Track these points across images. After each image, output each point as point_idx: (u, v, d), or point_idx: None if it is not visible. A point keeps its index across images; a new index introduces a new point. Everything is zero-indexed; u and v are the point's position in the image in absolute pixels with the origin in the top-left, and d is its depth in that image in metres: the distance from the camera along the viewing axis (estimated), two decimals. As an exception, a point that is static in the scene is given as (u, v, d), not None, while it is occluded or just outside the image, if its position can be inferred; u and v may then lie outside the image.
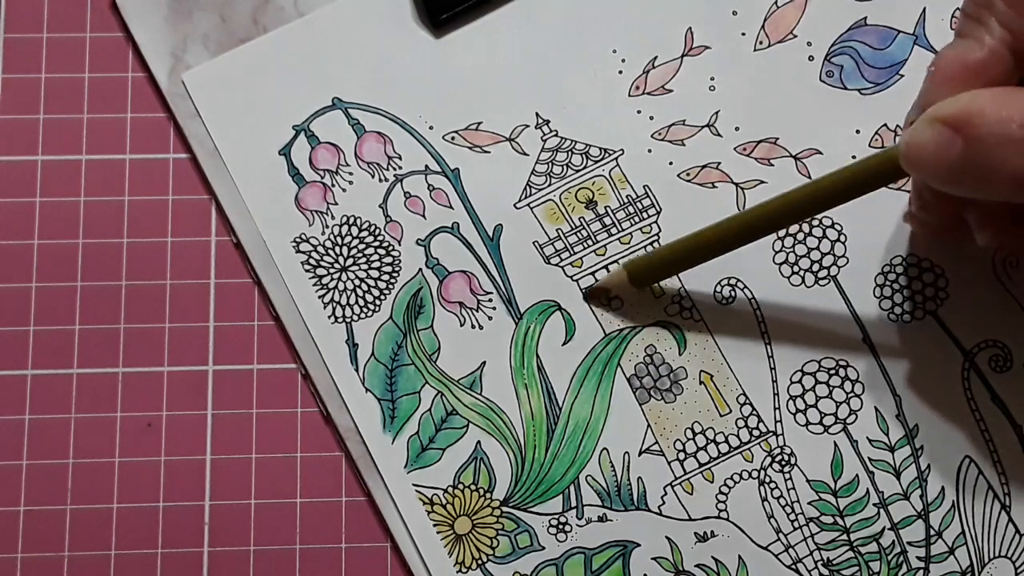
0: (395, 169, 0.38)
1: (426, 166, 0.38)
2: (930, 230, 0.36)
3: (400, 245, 0.38)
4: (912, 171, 0.29)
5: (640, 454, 0.36)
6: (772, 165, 0.38)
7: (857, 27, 0.39)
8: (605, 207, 0.38)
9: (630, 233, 0.38)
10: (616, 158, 0.38)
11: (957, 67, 0.30)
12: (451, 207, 0.38)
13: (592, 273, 0.37)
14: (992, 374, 0.36)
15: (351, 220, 0.38)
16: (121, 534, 0.36)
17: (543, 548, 0.36)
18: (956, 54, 0.30)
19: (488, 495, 0.36)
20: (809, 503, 0.36)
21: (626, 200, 0.38)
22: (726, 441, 0.36)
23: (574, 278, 0.37)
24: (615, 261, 0.37)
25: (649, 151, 0.38)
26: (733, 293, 0.37)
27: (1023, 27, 0.29)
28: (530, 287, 0.37)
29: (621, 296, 0.37)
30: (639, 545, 0.36)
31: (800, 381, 0.37)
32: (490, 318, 0.37)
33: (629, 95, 0.38)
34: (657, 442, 0.36)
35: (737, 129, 0.38)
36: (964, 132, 0.27)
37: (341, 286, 0.37)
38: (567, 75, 0.38)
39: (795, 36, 0.39)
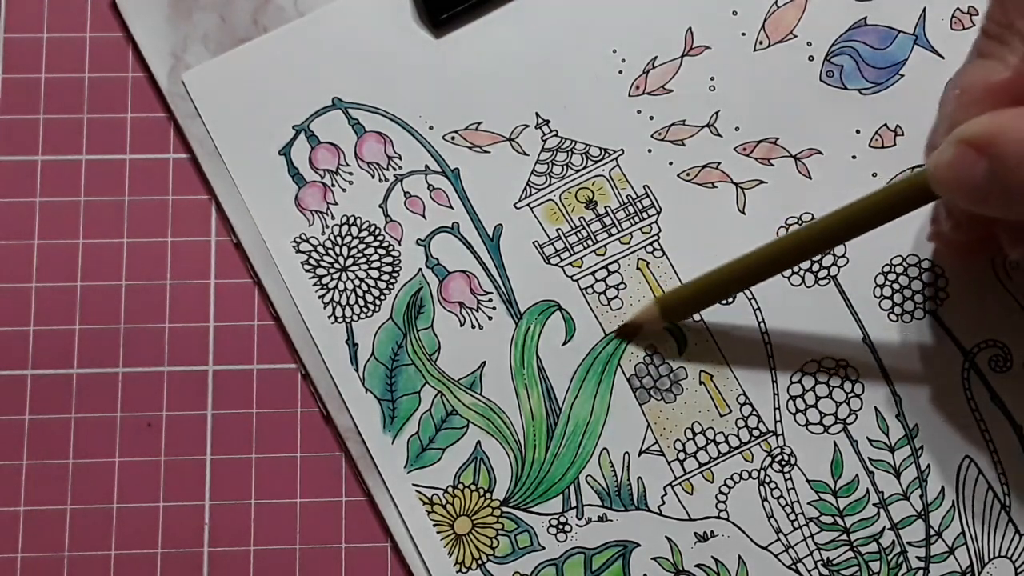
0: (395, 169, 0.38)
1: (426, 166, 0.38)
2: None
3: (400, 245, 0.38)
4: (940, 192, 0.30)
5: (640, 454, 0.36)
6: (772, 165, 0.38)
7: (857, 27, 0.39)
8: (605, 207, 0.38)
9: (630, 233, 0.38)
10: (616, 158, 0.38)
11: (981, 89, 0.30)
12: (451, 207, 0.38)
13: (592, 273, 0.37)
14: (992, 374, 0.36)
15: (351, 220, 0.38)
16: (121, 534, 0.36)
17: (543, 548, 0.36)
18: (980, 75, 0.30)
19: (488, 495, 0.36)
20: (809, 503, 0.36)
21: (626, 200, 0.38)
22: (726, 441, 0.36)
23: (574, 278, 0.37)
24: (615, 261, 0.37)
25: (649, 151, 0.38)
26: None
27: None
28: (530, 287, 0.37)
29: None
30: (639, 545, 0.36)
31: (800, 381, 0.37)
32: (490, 318, 0.37)
33: (629, 95, 0.38)
34: (657, 442, 0.36)
35: (737, 129, 0.38)
36: (988, 152, 0.28)
37: (341, 286, 0.37)
38: (567, 75, 0.38)
39: (795, 36, 0.39)
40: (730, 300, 0.37)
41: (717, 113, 0.38)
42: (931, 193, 0.30)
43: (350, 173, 0.38)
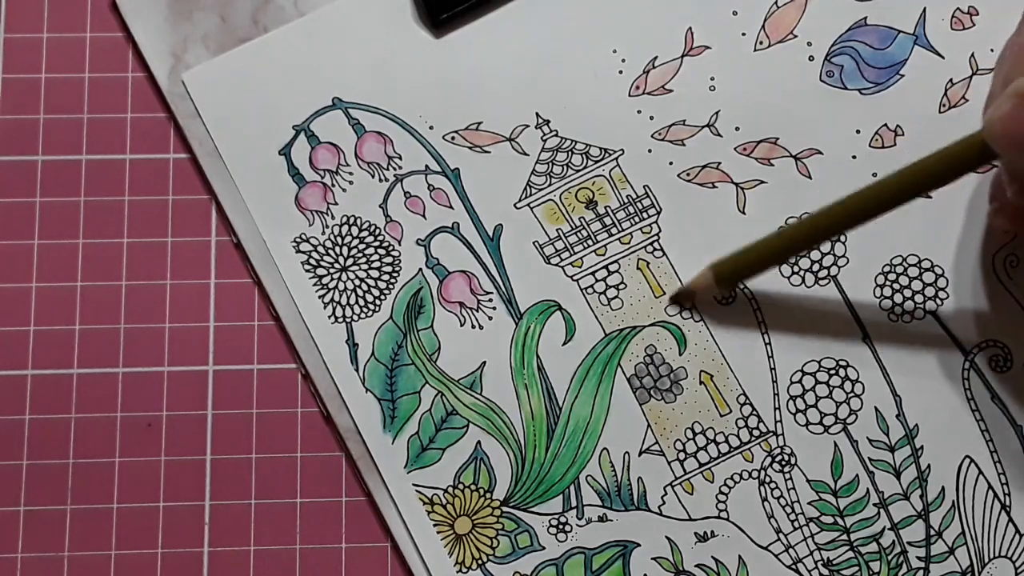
0: (395, 169, 0.38)
1: (426, 166, 0.38)
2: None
3: (400, 245, 0.38)
4: (997, 146, 0.30)
5: (640, 454, 0.36)
6: (772, 165, 0.38)
7: (857, 27, 0.39)
8: (605, 207, 0.38)
9: (630, 233, 0.38)
10: (616, 158, 0.38)
11: None
12: (451, 207, 0.38)
13: (592, 273, 0.37)
14: (992, 374, 0.36)
15: (351, 220, 0.38)
16: (121, 534, 0.36)
17: (543, 548, 0.36)
18: None
19: (488, 495, 0.36)
20: (809, 503, 0.36)
21: (626, 200, 0.38)
22: (726, 441, 0.36)
23: (574, 278, 0.37)
24: (615, 261, 0.37)
25: (649, 151, 0.38)
26: (733, 293, 0.37)
27: None
28: (530, 287, 0.37)
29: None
30: (639, 545, 0.36)
31: (800, 381, 0.37)
32: (490, 318, 0.37)
33: (629, 95, 0.38)
34: (657, 442, 0.36)
35: (737, 129, 0.38)
36: None
37: (341, 286, 0.37)
38: (567, 75, 0.38)
39: (795, 36, 0.39)
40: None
41: (717, 113, 0.38)
42: (988, 152, 0.30)
43: (350, 173, 0.38)
